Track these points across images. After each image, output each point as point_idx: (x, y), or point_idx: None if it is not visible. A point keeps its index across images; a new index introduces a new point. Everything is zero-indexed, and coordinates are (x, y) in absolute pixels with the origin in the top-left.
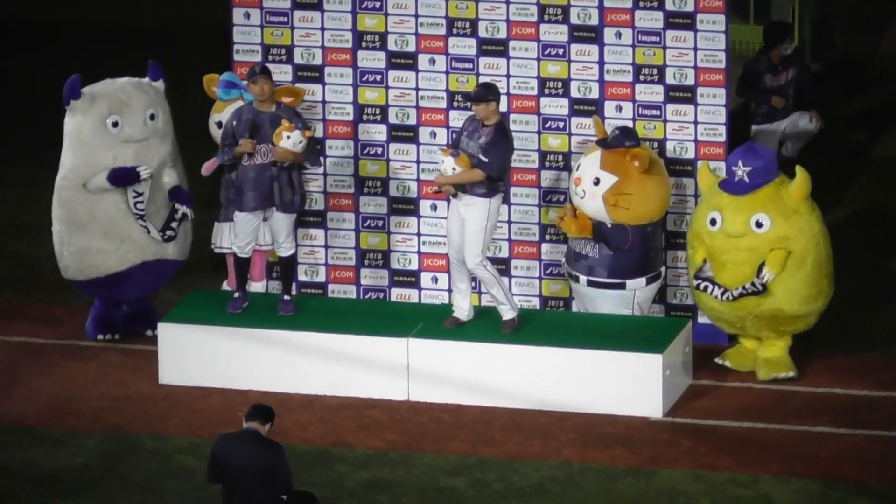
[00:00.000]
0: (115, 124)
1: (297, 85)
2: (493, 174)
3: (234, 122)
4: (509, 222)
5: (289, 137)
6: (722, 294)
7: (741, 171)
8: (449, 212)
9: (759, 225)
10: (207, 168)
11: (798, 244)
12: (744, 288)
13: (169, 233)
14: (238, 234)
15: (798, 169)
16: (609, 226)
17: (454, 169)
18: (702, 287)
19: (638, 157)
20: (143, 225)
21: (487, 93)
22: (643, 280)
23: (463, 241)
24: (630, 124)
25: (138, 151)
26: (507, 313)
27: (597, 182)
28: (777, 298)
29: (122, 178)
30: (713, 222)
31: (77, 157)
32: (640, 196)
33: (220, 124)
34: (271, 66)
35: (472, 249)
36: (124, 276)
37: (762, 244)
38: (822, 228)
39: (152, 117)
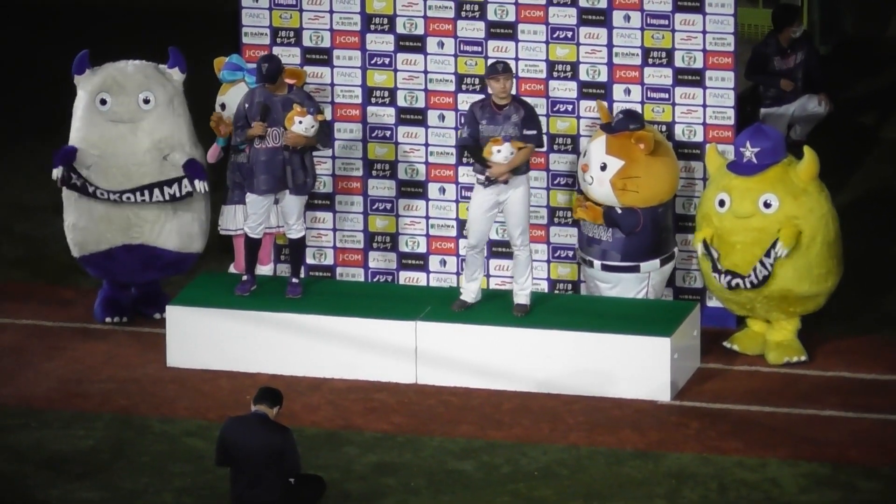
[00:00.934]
0: (102, 101)
1: (301, 67)
2: (541, 145)
3: (247, 105)
4: None
5: (301, 122)
6: (731, 282)
7: (749, 151)
8: (473, 198)
9: (767, 205)
10: (212, 155)
11: (807, 224)
12: (755, 270)
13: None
14: (250, 216)
15: (806, 149)
16: (619, 210)
17: (512, 153)
18: (733, 284)
19: (643, 140)
20: (89, 191)
21: (508, 66)
22: (657, 261)
23: (487, 230)
24: (639, 108)
25: (122, 133)
26: (523, 297)
27: (604, 167)
28: (786, 279)
29: (59, 153)
30: (721, 203)
31: (72, 131)
32: (648, 178)
33: (223, 106)
34: (280, 50)
35: (523, 227)
36: (106, 256)
37: (771, 224)
38: (830, 208)
39: (146, 101)
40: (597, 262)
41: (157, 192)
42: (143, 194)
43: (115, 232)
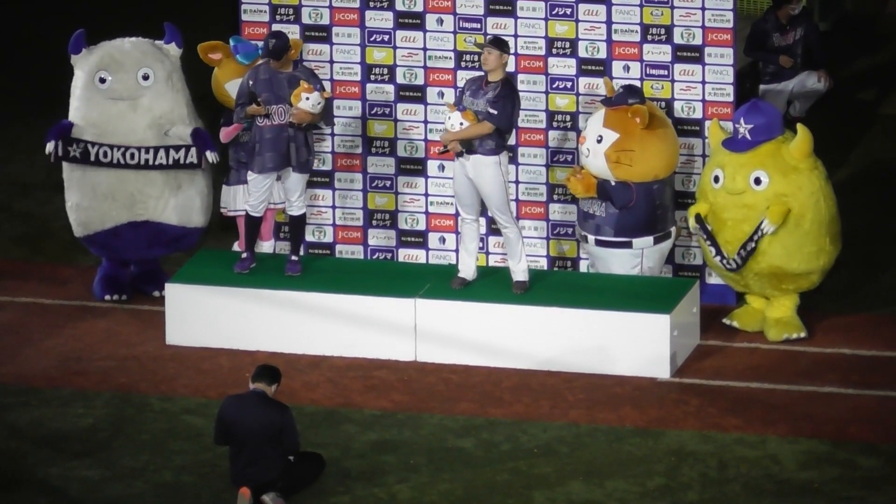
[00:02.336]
0: (101, 80)
1: (294, 37)
2: (501, 126)
3: (251, 82)
4: (517, 182)
5: (307, 99)
6: (722, 261)
7: (743, 128)
8: (455, 173)
9: (758, 182)
10: (229, 135)
11: (796, 201)
12: (739, 252)
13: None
14: (252, 193)
15: (799, 126)
16: (613, 183)
17: (461, 124)
18: (718, 261)
19: (638, 114)
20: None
21: (504, 43)
22: (650, 239)
23: (474, 201)
24: (638, 84)
25: (122, 111)
26: (520, 275)
27: (599, 140)
28: (775, 255)
29: (54, 127)
30: (716, 179)
31: (72, 111)
32: (643, 153)
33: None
34: (279, 27)
35: (500, 206)
36: (111, 234)
37: (760, 201)
38: (823, 186)
39: (145, 77)
40: (591, 237)
41: (161, 153)
42: (147, 152)
43: (119, 209)
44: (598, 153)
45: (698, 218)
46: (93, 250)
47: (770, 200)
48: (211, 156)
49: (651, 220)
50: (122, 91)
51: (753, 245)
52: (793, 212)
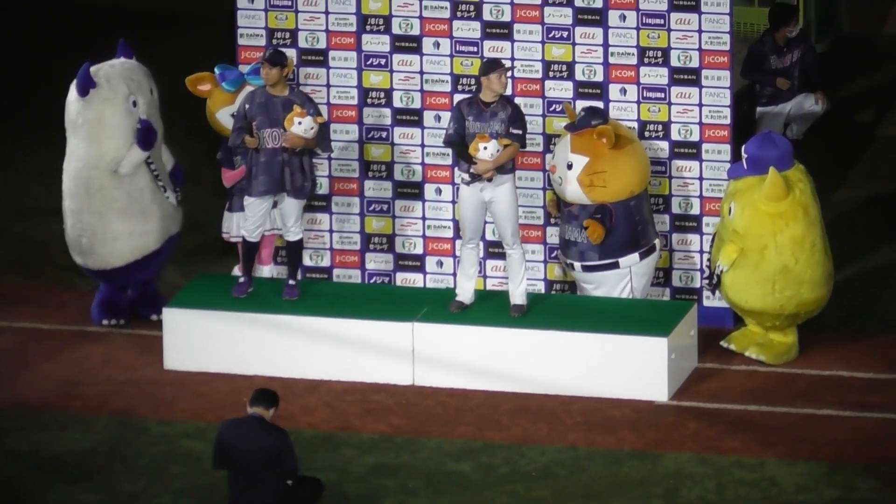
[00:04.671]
0: (135, 103)
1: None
2: (525, 144)
3: (247, 106)
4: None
5: (300, 123)
6: (702, 280)
7: (743, 155)
8: (463, 197)
9: (729, 211)
10: (234, 177)
11: (747, 241)
12: (710, 276)
13: (177, 195)
14: (248, 219)
15: (771, 171)
16: (604, 210)
17: (498, 150)
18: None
19: (604, 134)
20: (162, 185)
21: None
22: (636, 255)
23: (480, 225)
24: (635, 107)
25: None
26: (519, 298)
27: (570, 166)
28: (729, 289)
29: (147, 135)
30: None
31: (105, 143)
32: (615, 172)
33: (234, 116)
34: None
35: (513, 227)
36: (157, 253)
37: (728, 232)
38: (780, 233)
39: (151, 91)
40: (577, 264)
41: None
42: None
43: (167, 227)
44: (570, 180)
45: (712, 238)
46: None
47: (730, 235)
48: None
49: (633, 236)
50: (147, 110)
51: (715, 280)
52: (744, 251)
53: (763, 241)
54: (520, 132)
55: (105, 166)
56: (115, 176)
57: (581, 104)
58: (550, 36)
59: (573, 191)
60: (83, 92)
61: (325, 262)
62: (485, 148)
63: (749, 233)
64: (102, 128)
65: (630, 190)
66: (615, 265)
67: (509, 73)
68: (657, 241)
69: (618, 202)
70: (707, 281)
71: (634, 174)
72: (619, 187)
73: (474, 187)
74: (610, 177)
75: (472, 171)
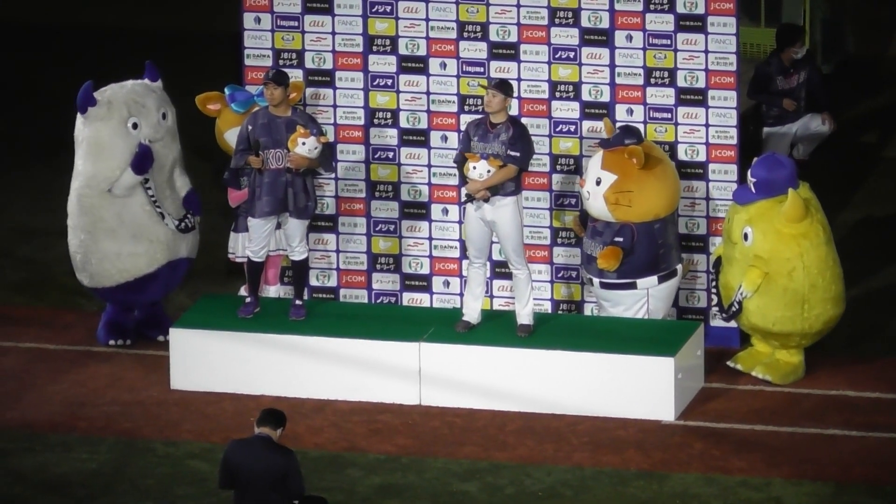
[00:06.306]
0: (135, 126)
1: (295, 79)
2: (524, 167)
3: (250, 127)
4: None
5: (304, 143)
6: (718, 309)
7: (750, 179)
8: (467, 217)
9: (746, 237)
10: (239, 198)
11: (772, 265)
12: (729, 308)
13: (186, 222)
14: (252, 239)
15: (790, 192)
16: (618, 230)
17: (488, 171)
18: (713, 306)
19: (634, 154)
20: (160, 211)
21: (508, 87)
22: (654, 278)
23: (485, 245)
24: (641, 127)
25: (155, 151)
26: (525, 318)
27: (598, 182)
28: (753, 314)
29: (143, 160)
30: (728, 220)
31: (98, 163)
32: (641, 193)
33: None
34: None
35: (517, 249)
36: (152, 277)
37: (747, 257)
38: (807, 253)
39: (164, 116)
40: (596, 280)
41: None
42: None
43: (163, 251)
44: (597, 195)
45: (716, 263)
46: (112, 297)
47: (750, 260)
48: (191, 219)
49: (654, 259)
50: (151, 134)
51: (737, 307)
52: (769, 275)
53: (791, 264)
54: (517, 154)
55: (97, 185)
56: (108, 196)
57: (588, 125)
58: (557, 56)
59: (598, 207)
60: (82, 109)
61: (332, 283)
62: (474, 168)
63: (774, 256)
64: (98, 147)
65: (655, 213)
66: (633, 285)
67: (491, 89)
68: (679, 267)
69: (641, 223)
70: (720, 309)
71: (661, 197)
72: (645, 209)
73: (475, 208)
74: (636, 197)
75: (464, 190)
